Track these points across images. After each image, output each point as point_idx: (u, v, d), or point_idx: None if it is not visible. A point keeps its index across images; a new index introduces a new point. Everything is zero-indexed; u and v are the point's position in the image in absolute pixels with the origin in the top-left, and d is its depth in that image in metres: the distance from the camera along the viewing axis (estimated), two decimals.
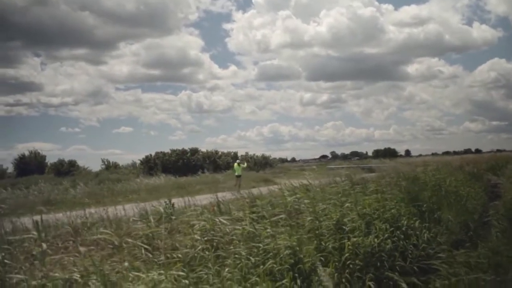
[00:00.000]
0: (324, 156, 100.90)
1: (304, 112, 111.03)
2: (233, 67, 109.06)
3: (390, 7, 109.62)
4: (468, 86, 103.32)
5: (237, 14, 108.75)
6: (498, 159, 35.98)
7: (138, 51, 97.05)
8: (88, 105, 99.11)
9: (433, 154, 79.59)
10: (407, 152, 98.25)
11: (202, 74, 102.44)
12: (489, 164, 32.11)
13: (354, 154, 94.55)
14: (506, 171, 25.77)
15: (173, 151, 50.30)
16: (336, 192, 11.10)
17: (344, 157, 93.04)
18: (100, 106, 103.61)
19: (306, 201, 10.21)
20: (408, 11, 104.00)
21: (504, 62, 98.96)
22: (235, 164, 23.16)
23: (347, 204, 10.08)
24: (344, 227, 9.00)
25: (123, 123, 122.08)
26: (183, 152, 50.18)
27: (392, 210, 10.57)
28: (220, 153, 48.77)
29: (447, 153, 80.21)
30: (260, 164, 45.72)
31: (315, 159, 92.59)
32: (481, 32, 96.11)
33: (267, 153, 49.31)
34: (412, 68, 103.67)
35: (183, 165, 47.84)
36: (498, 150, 73.75)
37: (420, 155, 75.58)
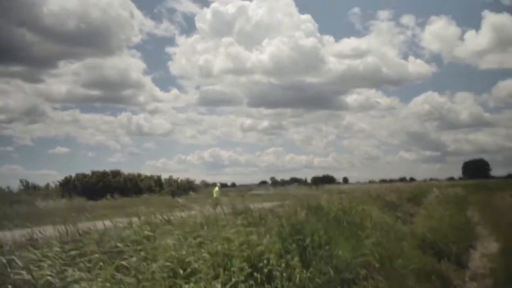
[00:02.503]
0: (264, 182, 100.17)
1: (245, 137, 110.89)
2: (174, 91, 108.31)
3: (331, 38, 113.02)
4: (404, 117, 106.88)
5: (180, 38, 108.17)
6: (423, 188, 35.48)
7: (78, 70, 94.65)
8: (22, 123, 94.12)
9: (370, 181, 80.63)
10: (345, 179, 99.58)
11: (143, 97, 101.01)
12: (414, 193, 31.32)
13: (294, 180, 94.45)
14: (424, 201, 24.87)
15: (93, 173, 47.45)
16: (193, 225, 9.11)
17: (284, 183, 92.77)
18: (36, 125, 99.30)
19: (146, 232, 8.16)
20: (348, 43, 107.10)
21: (437, 96, 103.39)
22: (215, 188, 24.84)
23: (198, 239, 8.10)
24: (180, 270, 6.98)
25: (59, 143, 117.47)
26: (104, 174, 47.34)
27: (259, 247, 8.65)
28: (143, 176, 46.14)
29: (383, 180, 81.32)
30: (183, 188, 43.38)
31: (254, 184, 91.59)
32: (416, 66, 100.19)
33: (207, 178, 47.25)
34: (351, 98, 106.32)
35: (103, 187, 44.71)
36: (431, 179, 76.00)
37: (358, 182, 76.28)
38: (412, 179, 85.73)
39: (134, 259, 7.26)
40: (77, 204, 26.65)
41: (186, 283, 6.84)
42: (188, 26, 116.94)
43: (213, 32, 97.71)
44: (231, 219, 10.35)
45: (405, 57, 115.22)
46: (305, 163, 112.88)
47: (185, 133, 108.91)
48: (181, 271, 7.02)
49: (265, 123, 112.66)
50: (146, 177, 46.34)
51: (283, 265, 8.30)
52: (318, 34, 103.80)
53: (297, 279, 8.11)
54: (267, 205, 17.24)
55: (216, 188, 24.76)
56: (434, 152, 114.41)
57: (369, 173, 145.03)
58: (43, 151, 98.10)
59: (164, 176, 48.21)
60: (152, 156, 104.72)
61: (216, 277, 7.23)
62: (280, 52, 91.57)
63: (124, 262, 7.29)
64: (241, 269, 7.59)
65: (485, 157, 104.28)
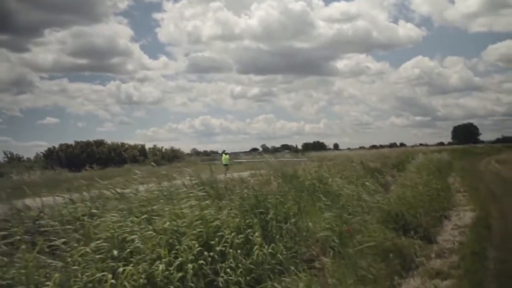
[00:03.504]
0: (254, 149, 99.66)
1: (235, 105, 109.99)
2: (163, 58, 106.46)
3: (320, 2, 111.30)
4: (394, 82, 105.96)
5: (167, 3, 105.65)
6: (409, 154, 34.93)
7: (64, 38, 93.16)
8: (10, 94, 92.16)
9: (360, 147, 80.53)
10: (336, 146, 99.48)
11: (132, 65, 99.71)
12: (399, 159, 30.81)
13: (285, 147, 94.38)
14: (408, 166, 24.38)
15: (77, 143, 46.64)
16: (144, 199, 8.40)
17: (275, 150, 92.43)
18: (24, 95, 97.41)
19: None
20: (338, 7, 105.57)
21: (428, 60, 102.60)
22: (223, 155, 26.98)
23: (145, 215, 7.42)
24: (114, 251, 6.30)
25: (48, 113, 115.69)
26: (87, 144, 46.51)
27: (215, 222, 7.99)
28: (126, 145, 45.33)
29: (374, 146, 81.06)
30: (168, 157, 42.73)
31: (245, 152, 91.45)
32: (406, 30, 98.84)
33: (198, 146, 46.56)
34: (341, 64, 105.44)
35: (87, 157, 43.97)
36: (421, 144, 75.84)
37: (349, 149, 76.17)
38: (402, 145, 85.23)
39: (63, 240, 6.55)
40: (53, 176, 25.97)
41: (124, 265, 6.18)
42: None
43: None
44: (193, 192, 9.69)
45: (395, 20, 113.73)
46: (296, 130, 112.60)
47: (175, 101, 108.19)
48: (115, 252, 6.33)
49: (255, 90, 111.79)
50: (130, 146, 45.60)
51: (240, 241, 7.67)
52: None
53: (255, 255, 7.49)
54: (244, 174, 16.62)
55: (226, 156, 26.82)
56: (424, 117, 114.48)
57: (360, 139, 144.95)
58: (32, 122, 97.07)
59: (149, 145, 47.55)
60: (142, 125, 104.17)
61: (160, 257, 6.58)
62: (269, 17, 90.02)
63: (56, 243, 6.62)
64: (190, 248, 6.95)
65: (475, 122, 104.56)
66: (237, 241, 7.55)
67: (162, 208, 8.28)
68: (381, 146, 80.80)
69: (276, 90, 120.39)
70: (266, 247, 7.74)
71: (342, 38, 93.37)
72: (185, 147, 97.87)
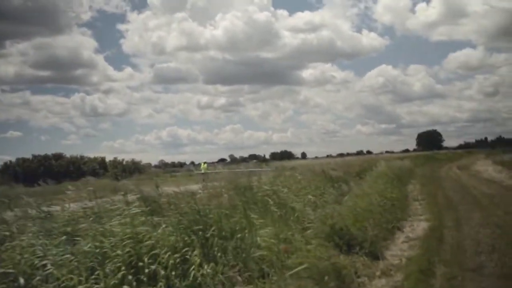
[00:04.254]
0: (222, 159, 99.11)
1: (202, 115, 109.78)
2: (128, 69, 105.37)
3: (284, 12, 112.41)
4: (359, 91, 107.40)
5: (132, 15, 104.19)
6: (372, 161, 34.80)
7: (26, 50, 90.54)
8: None
9: (328, 156, 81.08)
10: (303, 155, 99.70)
11: (96, 76, 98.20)
12: (362, 167, 30.60)
13: (253, 157, 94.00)
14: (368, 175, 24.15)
15: (34, 157, 44.94)
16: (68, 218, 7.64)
17: (243, 160, 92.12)
18: None
19: None
20: (302, 17, 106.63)
21: (391, 69, 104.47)
22: (202, 164, 29.65)
23: (63, 237, 6.67)
24: (21, 279, 5.53)
25: (11, 127, 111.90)
26: (45, 158, 44.86)
27: (148, 241, 7.27)
28: (86, 158, 43.91)
29: (341, 154, 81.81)
30: (129, 170, 41.50)
31: (213, 162, 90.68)
32: (369, 39, 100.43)
33: (166, 157, 45.32)
34: (306, 73, 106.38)
35: (45, 172, 42.31)
36: (387, 152, 76.81)
37: (316, 157, 76.59)
38: (369, 152, 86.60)
39: None
40: None
41: None
42: (140, 1, 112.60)
43: (165, 7, 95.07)
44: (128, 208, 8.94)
45: (358, 30, 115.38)
46: (263, 140, 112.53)
47: (141, 112, 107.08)
48: (21, 281, 5.57)
49: (222, 100, 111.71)
50: (89, 159, 44.23)
51: (176, 261, 6.97)
52: (272, 8, 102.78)
53: (191, 276, 6.79)
54: (194, 187, 15.93)
55: (204, 165, 29.14)
56: (390, 125, 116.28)
57: (327, 147, 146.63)
58: None
59: (109, 157, 46.23)
60: (108, 137, 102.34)
61: (79, 282, 5.84)
62: (234, 27, 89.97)
63: None
64: (114, 271, 6.24)
65: (439, 129, 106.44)
66: (171, 261, 6.86)
67: (89, 228, 7.55)
68: (348, 154, 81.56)
69: (243, 100, 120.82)
70: (206, 266, 7.08)
71: (307, 48, 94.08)
72: (153, 159, 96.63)
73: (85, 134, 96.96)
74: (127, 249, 6.86)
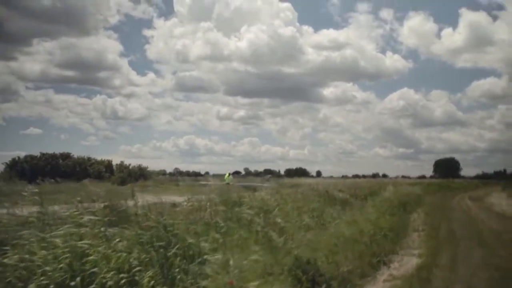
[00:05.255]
0: (237, 172, 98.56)
1: (221, 126, 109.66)
2: (151, 75, 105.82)
3: (310, 29, 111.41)
4: (379, 112, 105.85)
5: (158, 21, 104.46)
6: (382, 185, 33.60)
7: (52, 49, 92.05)
8: None
9: (343, 176, 79.76)
10: (318, 173, 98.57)
11: (119, 80, 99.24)
12: (371, 190, 29.47)
13: (268, 171, 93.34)
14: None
15: (42, 154, 44.73)
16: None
17: (257, 174, 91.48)
18: (8, 104, 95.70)
19: None
20: (327, 35, 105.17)
21: (413, 93, 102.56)
22: (226, 174, 31.55)
23: None
24: None
25: (32, 124, 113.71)
26: (53, 156, 44.60)
27: (91, 256, 6.42)
28: (92, 160, 43.52)
29: (356, 176, 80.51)
30: (135, 175, 40.91)
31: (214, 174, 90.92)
32: (393, 61, 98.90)
33: (182, 166, 44.89)
34: (327, 91, 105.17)
35: (51, 170, 41.96)
36: (403, 176, 75.07)
37: (331, 177, 75.39)
38: (384, 176, 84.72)
39: None
40: None
41: None
42: (166, 8, 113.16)
43: (191, 16, 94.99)
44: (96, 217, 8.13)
45: (382, 51, 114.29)
46: (280, 155, 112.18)
47: (161, 118, 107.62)
48: None
49: (241, 113, 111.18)
50: (96, 161, 43.83)
51: (120, 282, 6.09)
52: (297, 24, 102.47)
53: None
54: (178, 199, 15.14)
55: (228, 175, 31.03)
56: (408, 149, 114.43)
57: (343, 167, 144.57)
58: (14, 131, 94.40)
59: (126, 161, 45.92)
60: (126, 141, 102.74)
61: None
62: (258, 40, 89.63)
63: None
64: None
65: (457, 157, 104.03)
66: (110, 283, 5.98)
67: (29, 237, 6.76)
68: (364, 176, 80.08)
69: (262, 114, 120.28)
70: None
71: (330, 66, 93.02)
72: (168, 166, 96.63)
73: (104, 136, 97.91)
74: (61, 265, 6.02)
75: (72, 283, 5.76)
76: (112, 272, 6.07)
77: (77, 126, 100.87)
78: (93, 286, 5.82)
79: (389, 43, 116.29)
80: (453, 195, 34.58)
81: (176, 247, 7.43)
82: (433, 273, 7.64)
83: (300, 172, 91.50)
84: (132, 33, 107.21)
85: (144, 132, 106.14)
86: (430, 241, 11.25)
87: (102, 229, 7.25)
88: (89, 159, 43.97)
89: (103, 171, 42.80)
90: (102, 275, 5.99)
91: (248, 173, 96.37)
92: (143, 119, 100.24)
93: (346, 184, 33.12)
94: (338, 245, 7.76)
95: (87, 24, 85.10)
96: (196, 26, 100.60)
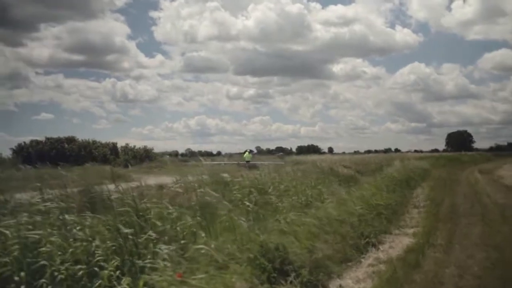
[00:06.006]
0: (250, 151, 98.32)
1: (231, 105, 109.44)
2: (159, 57, 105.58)
3: (317, 5, 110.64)
4: (390, 87, 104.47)
5: (164, 2, 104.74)
6: (391, 160, 32.82)
7: (60, 34, 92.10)
8: (5, 88, 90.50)
9: (355, 152, 79.54)
10: (330, 149, 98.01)
11: (128, 62, 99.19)
12: (378, 166, 28.80)
13: (279, 149, 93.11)
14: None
15: (47, 139, 44.49)
16: None
17: (269, 152, 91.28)
18: (19, 90, 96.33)
19: None
20: (335, 11, 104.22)
21: (423, 67, 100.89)
22: (246, 153, 35.19)
23: None
24: None
25: (43, 109, 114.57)
26: (58, 141, 44.32)
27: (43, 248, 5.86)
28: (98, 143, 43.15)
29: (369, 151, 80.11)
30: (140, 157, 40.59)
31: (239, 153, 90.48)
32: (403, 35, 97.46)
33: (193, 146, 44.51)
34: (337, 67, 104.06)
35: (56, 155, 41.81)
36: (415, 151, 74.17)
37: (344, 153, 75.13)
38: (397, 150, 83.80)
39: None
40: None
41: None
42: None
43: None
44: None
45: (392, 25, 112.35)
46: (291, 133, 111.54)
47: (171, 100, 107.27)
48: None
49: (251, 91, 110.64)
50: (101, 144, 43.44)
51: (77, 274, 5.54)
52: (305, 0, 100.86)
53: None
54: (167, 180, 14.63)
55: (247, 153, 34.25)
56: (420, 124, 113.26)
57: (355, 143, 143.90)
58: (27, 117, 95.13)
59: (137, 144, 45.61)
60: (138, 123, 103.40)
61: None
62: (266, 18, 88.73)
63: None
64: None
65: (470, 130, 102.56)
66: (62, 275, 5.42)
67: None
68: (376, 151, 79.35)
69: (272, 92, 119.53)
70: (124, 280, 5.60)
71: (339, 42, 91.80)
72: (180, 147, 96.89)
73: (115, 119, 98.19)
74: (7, 258, 5.48)
75: (16, 278, 5.22)
76: (67, 264, 5.50)
77: (88, 110, 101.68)
78: (43, 280, 5.26)
79: (399, 17, 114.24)
80: (463, 168, 33.68)
81: (148, 233, 6.88)
82: (424, 255, 6.98)
83: (312, 149, 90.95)
84: (139, 15, 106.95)
85: (155, 114, 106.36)
86: (429, 218, 10.57)
87: (61, 217, 6.67)
88: (94, 142, 43.53)
89: (108, 154, 42.41)
90: (54, 268, 5.42)
91: (260, 151, 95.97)
92: (153, 101, 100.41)
93: (353, 160, 32.46)
94: (320, 227, 7.11)
95: (93, 7, 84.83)
96: (202, 6, 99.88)
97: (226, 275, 4.71)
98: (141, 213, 7.43)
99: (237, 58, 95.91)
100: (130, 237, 6.51)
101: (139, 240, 6.65)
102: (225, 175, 13.15)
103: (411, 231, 9.09)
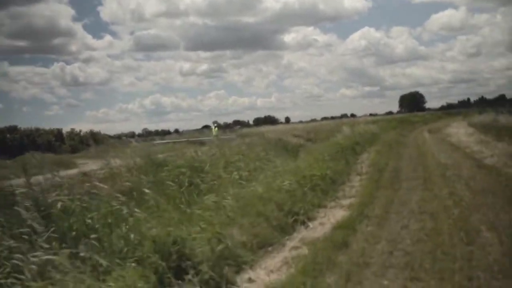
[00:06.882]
0: (206, 126, 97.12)
1: (185, 82, 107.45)
2: (108, 37, 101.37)
3: None
4: (342, 54, 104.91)
5: None
6: (340, 126, 32.47)
7: (1, 20, 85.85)
8: None
9: (312, 120, 79.71)
10: (287, 119, 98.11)
11: (75, 45, 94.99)
12: (331, 132, 28.37)
13: (237, 123, 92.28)
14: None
15: None
16: None
17: (227, 126, 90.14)
18: None
19: None
20: None
21: (374, 31, 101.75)
22: (213, 128, 33.22)
23: None
24: None
25: None
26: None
27: None
28: (41, 130, 41.02)
29: (325, 118, 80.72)
30: (86, 142, 38.82)
31: (197, 129, 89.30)
32: (352, 2, 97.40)
33: (150, 126, 42.60)
34: (288, 37, 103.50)
35: None
36: (371, 114, 75.04)
37: (301, 121, 75.15)
38: (353, 115, 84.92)
39: None
40: None
41: None
42: None
43: None
44: None
45: None
46: (248, 105, 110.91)
47: (123, 80, 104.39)
48: None
49: (204, 67, 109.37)
50: (44, 131, 41.35)
51: None
52: None
53: None
54: (93, 166, 13.55)
55: (215, 128, 32.30)
56: (373, 88, 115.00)
57: (312, 111, 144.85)
58: None
59: (93, 128, 43.62)
60: (91, 106, 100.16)
61: None
62: None
63: None
64: None
65: (422, 90, 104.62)
66: None
67: None
68: (333, 118, 79.80)
69: (225, 66, 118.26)
70: None
71: (289, 11, 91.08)
72: (137, 127, 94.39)
73: (67, 104, 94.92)
74: None
75: None
76: None
77: (38, 97, 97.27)
78: None
79: None
80: (413, 129, 33.89)
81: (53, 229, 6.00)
82: (355, 231, 6.33)
83: (269, 120, 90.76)
84: None
85: (108, 96, 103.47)
86: (370, 185, 10.03)
87: None
88: (37, 129, 41.44)
89: (53, 141, 40.45)
90: None
91: (218, 126, 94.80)
92: (105, 83, 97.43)
93: (306, 128, 32.06)
94: (237, 210, 6.33)
95: None
96: None
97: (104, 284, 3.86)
98: (42, 208, 6.54)
99: (188, 34, 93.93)
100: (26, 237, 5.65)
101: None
102: (160, 155, 12.21)
103: (347, 202, 8.48)
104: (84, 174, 11.07)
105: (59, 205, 6.68)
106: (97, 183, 9.56)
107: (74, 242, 6.14)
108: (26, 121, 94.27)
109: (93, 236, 6.35)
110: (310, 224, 6.97)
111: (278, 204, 7.03)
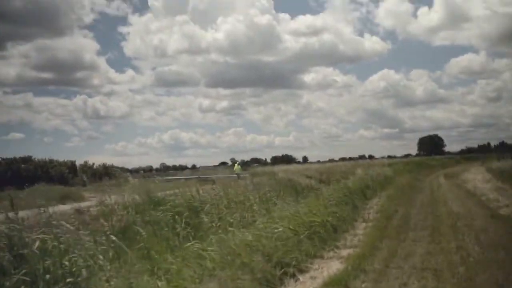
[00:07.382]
0: (223, 163, 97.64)
1: (204, 118, 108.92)
2: (130, 72, 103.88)
3: (286, 16, 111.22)
4: (361, 95, 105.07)
5: (133, 17, 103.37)
6: (356, 168, 31.85)
7: (27, 52, 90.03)
8: None
9: (330, 160, 79.38)
10: (305, 159, 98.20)
11: (98, 79, 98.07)
12: (346, 173, 27.78)
13: (255, 160, 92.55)
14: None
15: (2, 159, 42.35)
16: None
17: (244, 163, 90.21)
18: None
19: None
20: (304, 21, 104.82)
21: (393, 73, 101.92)
22: (235, 165, 33.11)
23: None
24: None
25: (13, 128, 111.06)
26: (14, 161, 42.22)
27: None
28: (55, 162, 41.17)
29: (343, 159, 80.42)
30: (99, 174, 38.77)
31: (214, 166, 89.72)
32: (371, 43, 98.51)
33: (168, 160, 42.76)
34: (308, 77, 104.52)
35: (12, 176, 39.69)
36: (389, 156, 74.35)
37: (318, 161, 74.81)
38: (371, 157, 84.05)
39: None
40: None
41: None
42: (141, 4, 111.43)
43: (166, 10, 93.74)
44: None
45: (360, 34, 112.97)
46: (266, 143, 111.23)
47: (143, 115, 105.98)
48: None
49: (224, 104, 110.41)
50: (58, 163, 41.49)
51: None
52: (274, 11, 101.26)
53: None
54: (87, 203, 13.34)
55: (237, 166, 32.55)
56: (392, 129, 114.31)
57: (329, 151, 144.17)
58: None
59: (111, 161, 43.90)
60: (111, 139, 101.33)
61: None
62: (235, 30, 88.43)
63: None
64: None
65: (441, 133, 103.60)
66: None
67: None
68: (350, 159, 79.15)
69: (245, 104, 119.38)
70: None
71: (309, 52, 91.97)
72: (155, 162, 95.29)
73: (88, 136, 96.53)
74: None
75: None
76: None
77: (59, 128, 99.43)
78: None
79: (366, 25, 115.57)
80: (429, 173, 33.01)
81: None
82: None
83: (286, 159, 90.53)
84: (107, 30, 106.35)
85: (128, 130, 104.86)
86: (374, 234, 9.42)
87: None
88: (51, 161, 41.56)
89: (66, 173, 40.49)
90: None
91: (234, 163, 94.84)
92: (125, 117, 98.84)
93: (319, 169, 31.38)
94: (218, 260, 5.82)
95: (61, 24, 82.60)
96: (172, 20, 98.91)
97: None
98: (15, 248, 6.18)
99: (208, 71, 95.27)
100: None
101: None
102: (159, 193, 11.82)
103: (346, 252, 7.88)
104: (77, 210, 10.73)
105: (36, 244, 6.32)
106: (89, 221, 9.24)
107: (47, 286, 5.73)
108: (46, 152, 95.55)
109: (69, 280, 5.95)
110: (300, 278, 6.40)
111: (267, 253, 6.49)
